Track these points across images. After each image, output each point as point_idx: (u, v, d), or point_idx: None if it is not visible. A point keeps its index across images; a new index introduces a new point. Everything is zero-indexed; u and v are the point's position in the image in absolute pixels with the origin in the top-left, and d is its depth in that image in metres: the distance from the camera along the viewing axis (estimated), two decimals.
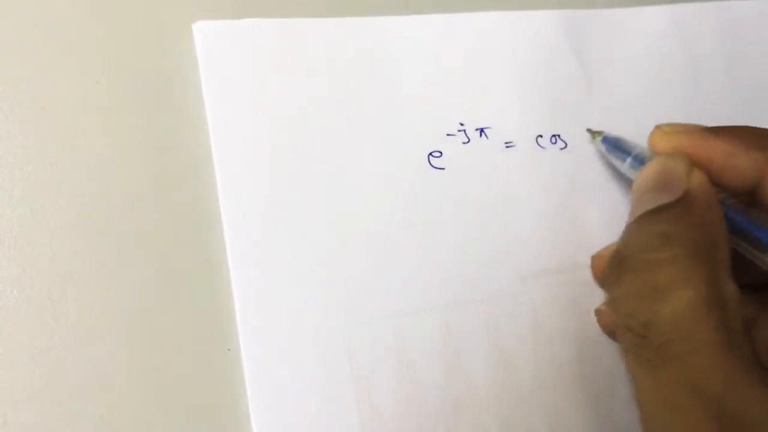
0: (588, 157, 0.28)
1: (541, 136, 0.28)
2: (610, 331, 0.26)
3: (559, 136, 0.28)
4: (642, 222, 0.21)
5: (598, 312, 0.27)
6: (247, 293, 0.23)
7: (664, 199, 0.21)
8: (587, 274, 0.27)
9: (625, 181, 0.28)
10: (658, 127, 0.24)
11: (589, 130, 0.28)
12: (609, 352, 0.26)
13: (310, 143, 0.25)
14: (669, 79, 0.30)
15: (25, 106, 0.23)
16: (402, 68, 0.27)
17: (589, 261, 0.27)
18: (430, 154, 0.26)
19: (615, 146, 0.27)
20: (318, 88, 0.26)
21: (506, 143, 0.27)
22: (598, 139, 0.28)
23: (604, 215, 0.28)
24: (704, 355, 0.18)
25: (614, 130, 0.29)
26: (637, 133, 0.29)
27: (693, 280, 0.19)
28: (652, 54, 0.31)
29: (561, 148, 0.28)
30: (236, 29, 0.25)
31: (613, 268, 0.21)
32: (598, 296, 0.27)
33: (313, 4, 0.27)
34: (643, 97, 0.30)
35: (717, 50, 0.31)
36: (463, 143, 0.27)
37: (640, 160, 0.25)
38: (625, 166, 0.26)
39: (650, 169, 0.22)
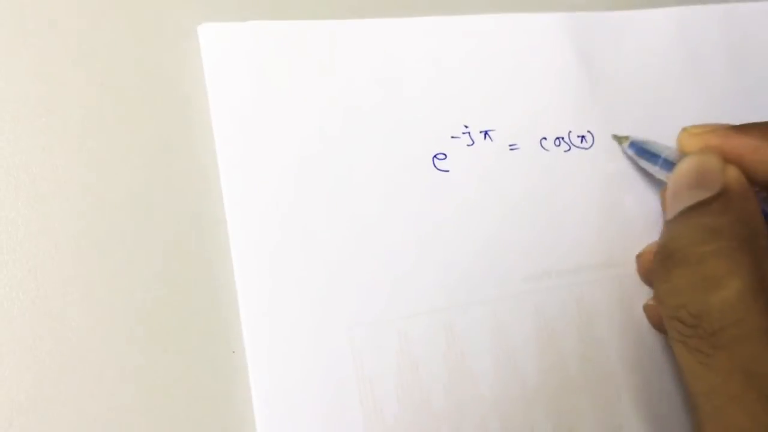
0: (591, 159, 0.28)
1: (545, 138, 0.28)
2: (660, 326, 0.27)
3: (562, 138, 0.28)
4: (685, 217, 0.22)
5: (647, 308, 0.27)
6: (252, 295, 0.23)
7: (702, 194, 0.22)
8: (590, 276, 0.27)
9: (629, 183, 0.29)
10: (685, 130, 0.25)
11: (614, 136, 0.29)
12: (613, 353, 0.26)
13: (315, 145, 0.25)
14: (673, 82, 0.30)
15: (29, 108, 0.23)
16: (406, 70, 0.27)
17: (591, 262, 0.27)
18: (435, 156, 0.26)
19: (643, 149, 0.27)
20: (322, 90, 0.26)
21: (510, 145, 0.28)
22: (626, 143, 0.28)
23: (607, 217, 0.28)
24: (754, 340, 0.19)
25: (617, 131, 0.29)
26: (641, 136, 0.29)
27: (740, 269, 0.20)
28: (656, 56, 0.31)
29: (565, 151, 0.28)
30: (241, 31, 0.25)
31: (661, 263, 0.22)
32: (600, 297, 0.27)
33: (318, 6, 0.27)
34: (647, 100, 0.30)
35: (720, 52, 0.32)
36: (468, 145, 0.27)
37: (671, 161, 0.25)
38: (655, 168, 0.26)
39: (685, 167, 0.23)
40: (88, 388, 0.22)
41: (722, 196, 0.21)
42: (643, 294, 0.27)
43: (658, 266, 0.22)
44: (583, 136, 0.28)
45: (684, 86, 0.31)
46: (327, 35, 0.26)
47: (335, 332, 0.24)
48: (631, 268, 0.28)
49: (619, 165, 0.29)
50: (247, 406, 0.22)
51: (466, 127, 0.27)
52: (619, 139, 0.28)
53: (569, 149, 0.28)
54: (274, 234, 0.24)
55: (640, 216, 0.28)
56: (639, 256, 0.28)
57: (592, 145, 0.28)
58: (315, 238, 0.24)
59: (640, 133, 0.29)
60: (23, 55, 0.24)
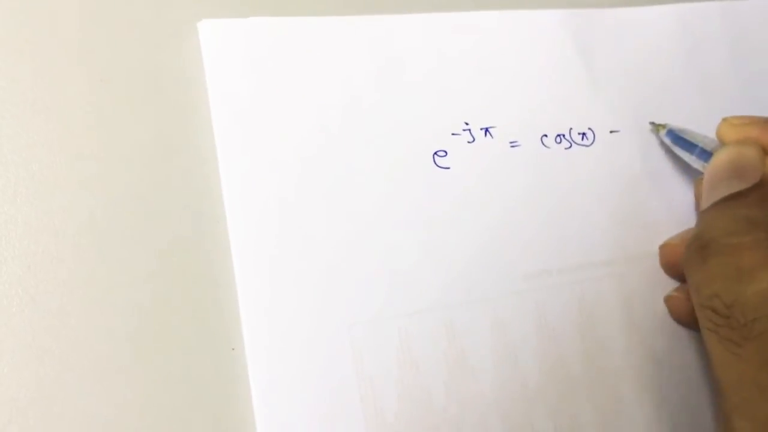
0: (591, 156, 0.28)
1: (546, 135, 0.28)
2: (681, 317, 0.27)
3: (563, 135, 0.28)
4: (722, 207, 0.22)
5: (669, 299, 0.27)
6: (252, 293, 0.23)
7: (740, 185, 0.22)
8: (591, 274, 0.27)
9: (631, 181, 0.28)
10: (725, 120, 0.25)
11: (652, 123, 0.29)
12: (614, 352, 0.26)
13: (315, 142, 0.25)
14: (673, 78, 0.30)
15: (29, 105, 0.23)
16: (407, 67, 0.27)
17: (592, 260, 0.27)
18: (435, 153, 0.26)
19: (679, 138, 0.27)
20: (323, 87, 0.26)
21: (511, 143, 0.27)
22: (663, 131, 0.28)
23: (607, 216, 0.28)
24: None
25: (618, 129, 0.29)
26: (643, 133, 0.29)
27: None
28: (657, 53, 0.31)
29: (566, 148, 0.28)
30: (241, 28, 0.25)
31: (695, 252, 0.22)
32: (601, 295, 0.27)
33: (318, 2, 0.27)
34: (649, 96, 0.30)
35: (720, 48, 0.32)
36: (468, 143, 0.27)
37: (707, 151, 0.25)
38: (692, 157, 0.26)
39: (723, 157, 0.23)
40: (88, 385, 0.22)
41: (760, 187, 0.21)
42: (645, 292, 0.27)
43: (692, 255, 0.22)
44: (584, 134, 0.28)
45: (685, 83, 0.30)
46: (327, 32, 0.26)
47: (335, 330, 0.24)
48: (633, 266, 0.28)
49: (620, 162, 0.29)
50: (247, 404, 0.22)
51: (467, 124, 0.27)
52: (656, 126, 0.29)
53: (570, 146, 0.28)
54: (274, 231, 0.24)
55: (641, 214, 0.28)
56: (662, 247, 0.28)
57: (593, 143, 0.28)
58: (315, 235, 0.24)
59: (643, 131, 0.29)
60: (23, 53, 0.24)
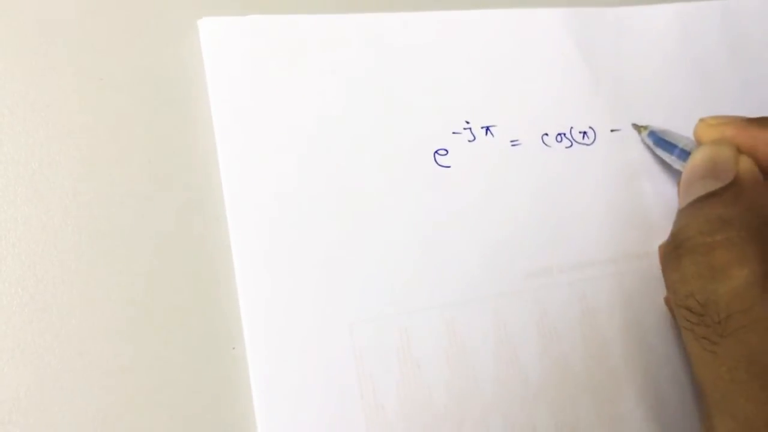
0: (592, 155, 0.28)
1: (546, 134, 0.28)
2: None
3: (564, 134, 0.28)
4: (696, 207, 0.22)
5: (667, 299, 0.27)
6: (252, 291, 0.23)
7: (715, 185, 0.22)
8: (592, 272, 0.27)
9: (631, 179, 0.28)
10: (702, 120, 0.25)
11: (634, 125, 0.29)
12: (615, 351, 0.26)
13: (315, 141, 0.25)
14: (674, 77, 0.30)
15: (28, 104, 0.23)
16: (408, 65, 0.27)
17: (594, 259, 0.27)
18: (436, 152, 0.26)
19: (661, 139, 0.27)
20: (323, 85, 0.26)
21: (512, 141, 0.27)
22: (645, 133, 0.28)
23: (608, 215, 0.28)
24: (760, 330, 0.19)
25: (619, 127, 0.29)
26: (660, 125, 0.29)
27: (748, 259, 0.20)
28: (658, 52, 0.31)
29: (567, 147, 0.28)
30: (242, 26, 0.25)
31: (671, 252, 0.22)
32: (602, 294, 0.27)
33: (318, 0, 0.27)
34: (649, 95, 0.30)
35: (721, 47, 0.32)
36: (469, 141, 0.27)
37: (687, 151, 0.26)
38: (672, 158, 0.27)
39: (698, 157, 0.23)
40: (87, 384, 0.22)
41: (734, 186, 0.22)
42: (645, 290, 0.27)
43: (668, 255, 0.22)
44: (584, 132, 0.28)
45: (685, 81, 0.30)
46: (327, 29, 0.26)
47: (336, 328, 0.24)
48: (634, 265, 0.28)
49: (621, 161, 0.29)
50: (248, 403, 0.22)
51: (468, 122, 0.27)
52: (638, 128, 0.29)
53: (571, 145, 0.28)
54: (275, 229, 0.24)
55: (642, 212, 0.28)
56: (661, 247, 0.28)
57: (594, 141, 0.28)
58: (316, 233, 0.24)
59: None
60: (23, 51, 0.24)
